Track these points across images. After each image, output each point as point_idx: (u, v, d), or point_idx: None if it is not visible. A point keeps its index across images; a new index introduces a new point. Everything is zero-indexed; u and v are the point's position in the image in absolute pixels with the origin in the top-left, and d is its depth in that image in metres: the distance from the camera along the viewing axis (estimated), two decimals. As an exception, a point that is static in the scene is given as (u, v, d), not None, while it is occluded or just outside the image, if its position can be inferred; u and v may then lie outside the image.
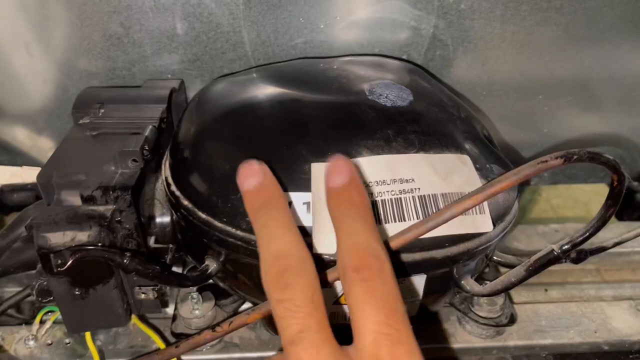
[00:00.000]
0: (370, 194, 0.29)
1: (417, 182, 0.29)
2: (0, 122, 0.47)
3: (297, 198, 0.29)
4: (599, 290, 0.45)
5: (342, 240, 0.24)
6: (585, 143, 0.51)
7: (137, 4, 0.40)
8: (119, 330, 0.38)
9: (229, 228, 0.30)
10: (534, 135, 0.51)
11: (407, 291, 0.31)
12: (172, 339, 0.37)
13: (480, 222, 0.30)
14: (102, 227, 0.30)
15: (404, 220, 0.29)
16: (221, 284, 0.35)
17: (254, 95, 0.35)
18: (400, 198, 0.29)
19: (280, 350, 0.36)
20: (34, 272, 0.35)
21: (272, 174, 0.28)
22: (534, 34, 0.43)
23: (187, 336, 0.32)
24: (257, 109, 0.34)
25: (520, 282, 0.32)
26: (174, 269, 0.35)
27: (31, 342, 0.37)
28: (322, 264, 0.27)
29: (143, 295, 0.34)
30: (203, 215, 0.31)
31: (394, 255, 0.29)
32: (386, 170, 0.29)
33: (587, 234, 0.30)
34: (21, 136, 0.48)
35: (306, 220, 0.29)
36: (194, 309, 0.37)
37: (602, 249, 0.34)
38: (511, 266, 0.35)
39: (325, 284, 0.26)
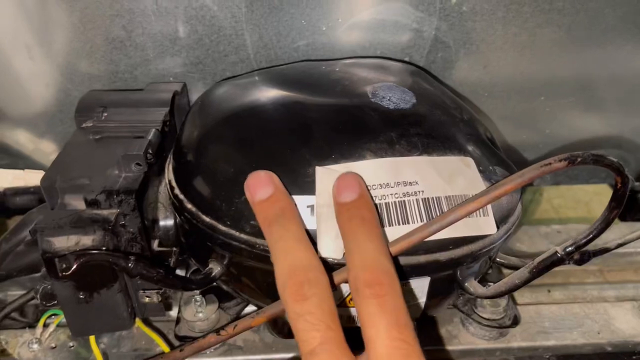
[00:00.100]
0: (374, 197, 0.29)
1: (421, 185, 0.29)
2: (2, 126, 0.47)
3: (301, 201, 0.29)
4: (602, 291, 0.45)
5: (354, 256, 0.25)
6: (587, 144, 0.51)
7: (140, 7, 0.40)
8: (122, 333, 0.38)
9: (232, 231, 0.30)
10: (536, 136, 0.51)
11: (411, 294, 0.31)
12: (175, 342, 0.37)
13: (484, 224, 0.30)
14: (106, 231, 0.30)
15: (408, 223, 0.29)
16: (225, 287, 0.35)
17: (256, 98, 0.35)
18: (404, 201, 0.29)
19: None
20: (37, 275, 0.36)
21: (282, 184, 0.28)
22: (536, 35, 0.43)
23: (190, 339, 0.33)
24: (259, 112, 0.34)
25: (524, 283, 0.32)
26: (178, 272, 0.35)
27: (35, 346, 0.37)
28: (326, 267, 0.28)
29: (147, 299, 0.34)
30: (207, 219, 0.31)
31: (398, 258, 0.29)
32: (390, 173, 0.29)
33: (591, 235, 0.30)
34: (23, 139, 0.48)
35: (310, 223, 0.29)
36: (198, 312, 0.37)
37: (605, 250, 0.34)
38: (514, 268, 0.35)
39: (332, 287, 0.26)
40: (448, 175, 0.30)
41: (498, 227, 0.31)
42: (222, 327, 0.31)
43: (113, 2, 0.40)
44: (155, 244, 0.35)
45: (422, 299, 0.32)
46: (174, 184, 0.34)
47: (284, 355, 0.37)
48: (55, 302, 0.33)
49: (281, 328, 0.38)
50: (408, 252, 0.28)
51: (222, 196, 0.31)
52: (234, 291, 0.35)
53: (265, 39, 0.42)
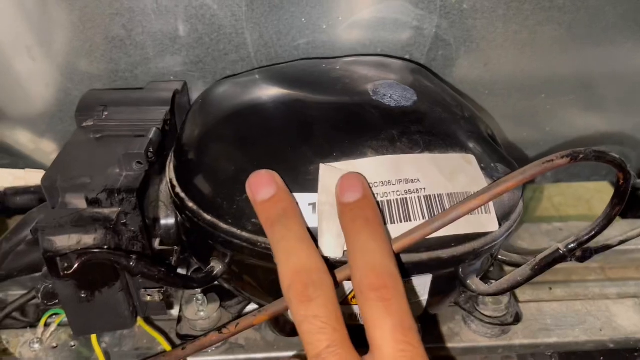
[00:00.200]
0: (376, 194, 0.29)
1: (423, 182, 0.29)
2: (3, 126, 0.47)
3: (302, 199, 0.29)
4: (604, 288, 0.45)
5: (358, 258, 0.25)
6: (588, 141, 0.51)
7: (140, 6, 0.40)
8: (124, 332, 0.38)
9: (234, 229, 0.30)
10: (537, 134, 0.51)
11: (413, 291, 0.31)
12: (177, 341, 0.37)
13: (486, 221, 0.30)
14: (108, 230, 0.30)
15: (410, 221, 0.29)
16: (226, 286, 0.35)
17: (257, 96, 0.35)
18: (406, 198, 0.29)
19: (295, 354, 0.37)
20: (38, 275, 0.36)
21: (284, 183, 0.28)
22: (537, 33, 0.43)
23: (192, 338, 0.32)
24: (260, 110, 0.34)
25: (526, 281, 0.32)
26: (179, 270, 0.35)
27: (36, 345, 0.37)
28: (328, 265, 0.27)
29: (149, 298, 0.33)
30: (208, 217, 0.31)
31: (399, 256, 0.29)
32: (391, 171, 0.29)
33: (593, 232, 0.30)
34: (23, 139, 0.48)
35: (311, 221, 0.29)
36: (199, 311, 0.37)
37: (607, 247, 0.34)
38: (516, 265, 0.35)
39: (335, 285, 0.26)
40: (450, 173, 0.30)
41: (500, 224, 0.31)
42: (224, 326, 0.31)
43: (113, 1, 0.40)
44: (156, 243, 0.35)
45: (424, 297, 0.32)
46: (175, 182, 0.34)
47: (286, 354, 0.37)
48: (57, 301, 0.33)
49: (283, 326, 0.37)
50: (410, 249, 0.28)
51: (224, 194, 0.31)
52: (236, 290, 0.35)
53: (265, 38, 0.42)
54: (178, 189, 0.33)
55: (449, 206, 0.29)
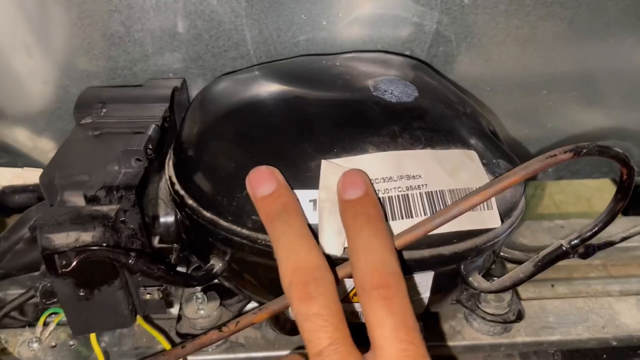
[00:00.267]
0: (377, 190, 0.28)
1: (424, 178, 0.29)
2: (1, 124, 0.46)
3: (303, 195, 0.29)
4: (606, 285, 0.45)
5: (360, 256, 0.25)
6: (590, 137, 0.51)
7: (138, 2, 0.40)
8: (123, 331, 0.38)
9: (234, 227, 0.30)
10: (538, 130, 0.50)
11: (414, 288, 0.31)
12: (177, 340, 0.37)
13: (488, 217, 0.30)
14: (106, 227, 0.30)
15: (412, 217, 0.28)
16: (226, 284, 0.35)
17: (257, 93, 0.35)
18: (408, 194, 0.29)
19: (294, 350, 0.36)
20: (36, 274, 0.35)
21: (284, 179, 0.28)
22: (538, 28, 0.43)
23: (192, 336, 0.32)
24: (260, 107, 0.34)
25: (528, 277, 0.32)
26: (179, 268, 0.35)
27: (35, 345, 0.37)
28: (329, 262, 0.27)
29: (148, 296, 0.33)
30: (208, 214, 0.31)
31: (401, 252, 0.29)
32: (393, 167, 0.29)
33: (596, 228, 0.30)
34: (22, 138, 0.47)
35: (312, 218, 0.28)
36: (199, 309, 0.36)
37: (609, 244, 0.33)
38: (518, 262, 0.35)
39: (336, 282, 0.26)
40: (451, 169, 0.30)
41: (502, 221, 0.30)
42: (224, 324, 0.30)
43: (111, -2, 0.39)
44: (155, 241, 0.34)
45: (425, 294, 0.32)
46: (174, 179, 0.33)
47: (286, 352, 0.37)
48: (55, 300, 0.33)
49: (283, 325, 0.37)
50: (411, 246, 0.28)
51: (223, 191, 0.30)
52: (236, 288, 0.35)
53: (265, 34, 0.42)
54: (177, 186, 0.33)
55: (450, 202, 0.29)
